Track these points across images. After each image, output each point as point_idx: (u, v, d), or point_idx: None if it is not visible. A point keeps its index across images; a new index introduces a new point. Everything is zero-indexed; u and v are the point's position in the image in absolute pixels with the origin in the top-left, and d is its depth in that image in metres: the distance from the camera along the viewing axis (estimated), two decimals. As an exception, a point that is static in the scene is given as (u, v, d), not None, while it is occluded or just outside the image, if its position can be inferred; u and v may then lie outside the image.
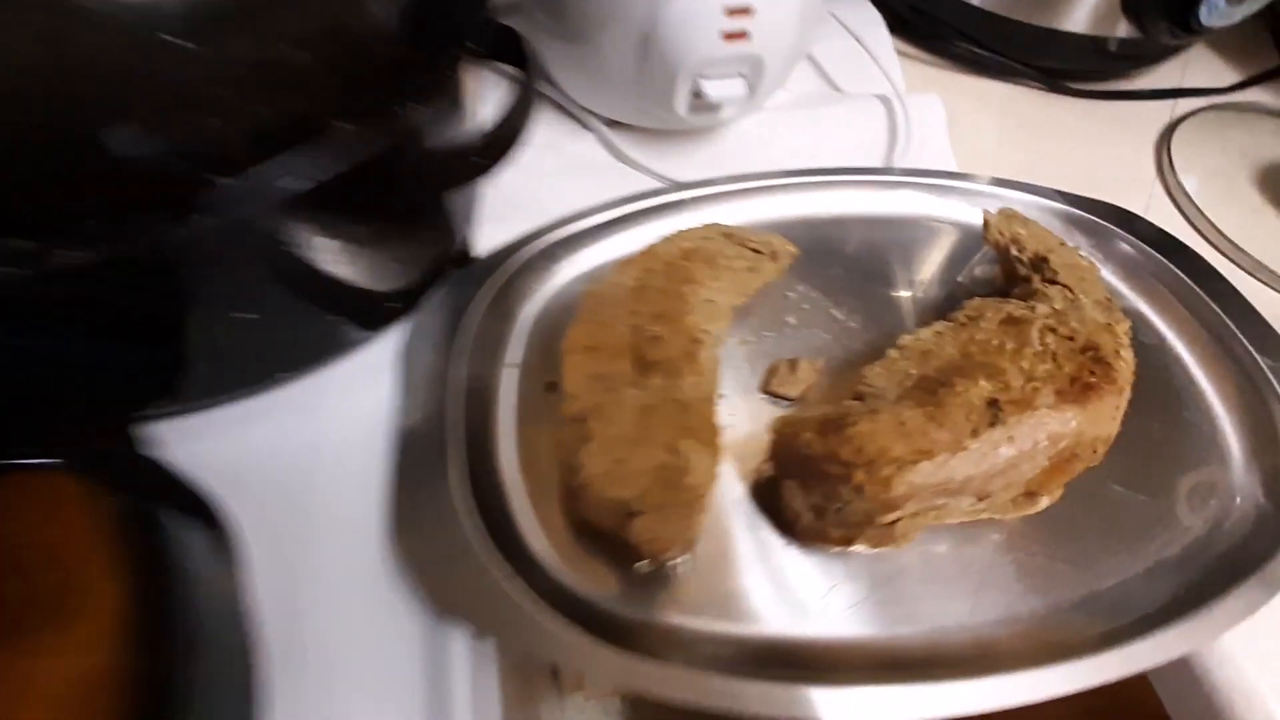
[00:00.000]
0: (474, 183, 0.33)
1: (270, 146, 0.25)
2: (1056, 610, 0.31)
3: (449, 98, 0.30)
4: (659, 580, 0.31)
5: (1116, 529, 0.33)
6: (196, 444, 0.35)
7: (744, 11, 0.38)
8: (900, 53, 0.57)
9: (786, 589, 0.31)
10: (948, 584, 0.31)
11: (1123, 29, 0.52)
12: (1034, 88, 0.57)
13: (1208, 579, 0.31)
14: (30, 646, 0.23)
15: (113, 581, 0.26)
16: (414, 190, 0.31)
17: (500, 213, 0.44)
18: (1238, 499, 0.34)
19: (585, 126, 0.50)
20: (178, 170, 0.23)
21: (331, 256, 0.31)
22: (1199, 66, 0.60)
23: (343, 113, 0.26)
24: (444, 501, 0.31)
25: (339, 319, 0.35)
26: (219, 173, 0.24)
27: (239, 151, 0.24)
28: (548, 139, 0.49)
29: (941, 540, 0.33)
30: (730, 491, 0.34)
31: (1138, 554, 0.32)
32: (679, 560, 0.31)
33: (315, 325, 0.34)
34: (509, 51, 0.34)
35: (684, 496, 0.28)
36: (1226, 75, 0.60)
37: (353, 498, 0.34)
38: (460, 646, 0.30)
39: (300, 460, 0.35)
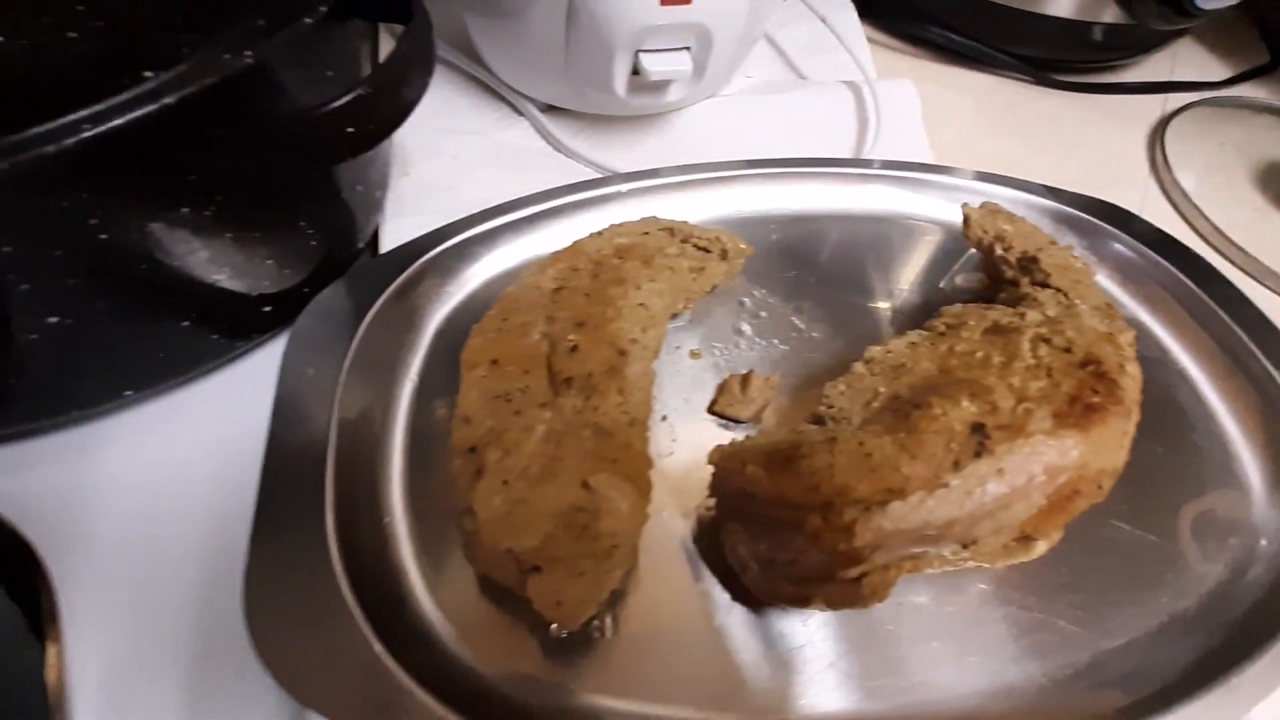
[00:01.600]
0: (349, 159, 0.27)
1: (45, 99, 0.19)
2: (1057, 679, 0.25)
3: (310, 53, 0.24)
4: (580, 649, 0.25)
5: (1123, 577, 0.28)
6: (15, 477, 0.29)
7: (684, -31, 0.33)
8: (870, 39, 0.52)
9: (735, 658, 0.25)
10: (929, 646, 0.26)
11: (1110, 14, 0.48)
12: (1014, 78, 0.52)
13: (1233, 638, 0.26)
14: None
15: None
16: (268, 166, 0.25)
17: (414, 205, 0.39)
18: (1262, 540, 0.29)
19: (518, 112, 0.44)
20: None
21: (169, 248, 0.25)
22: (1186, 61, 0.56)
23: (151, 61, 0.21)
24: (310, 553, 0.25)
25: (195, 326, 0.29)
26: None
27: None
28: (475, 125, 0.44)
29: (920, 591, 0.27)
30: (670, 534, 0.28)
31: (1149, 607, 0.27)
32: (600, 622, 0.25)
33: (163, 334, 0.28)
34: (395, 9, 0.28)
35: (597, 546, 0.22)
36: (1216, 70, 0.56)
37: (209, 547, 0.28)
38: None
39: (147, 499, 0.29)
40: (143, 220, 0.24)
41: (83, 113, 0.19)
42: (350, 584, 0.24)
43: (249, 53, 0.21)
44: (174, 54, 0.21)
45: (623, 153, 0.43)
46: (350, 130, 0.25)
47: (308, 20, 0.23)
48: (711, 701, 0.25)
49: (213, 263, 0.27)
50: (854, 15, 0.51)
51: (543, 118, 0.43)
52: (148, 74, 0.21)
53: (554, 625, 0.25)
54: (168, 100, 0.20)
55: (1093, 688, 0.25)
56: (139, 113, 0.20)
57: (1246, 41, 0.59)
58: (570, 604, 0.22)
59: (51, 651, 0.24)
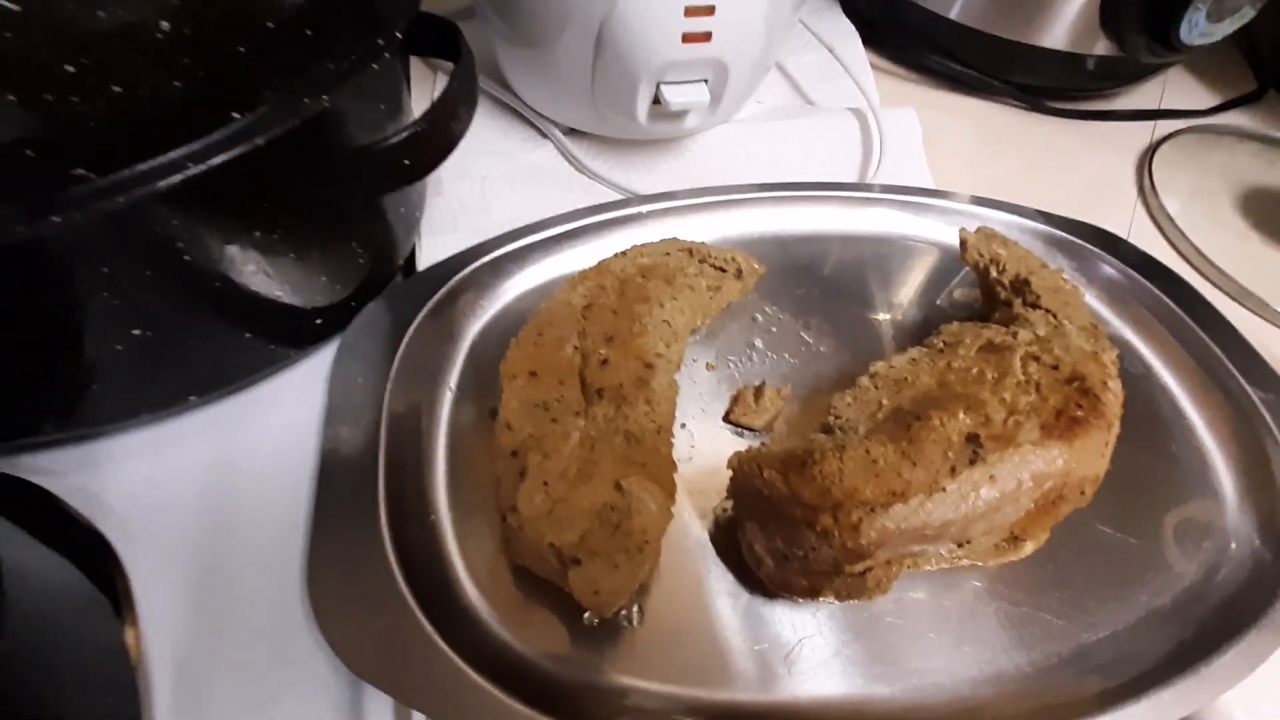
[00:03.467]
0: (403, 188, 0.29)
1: (148, 138, 0.22)
2: (1045, 666, 0.28)
3: (372, 93, 0.27)
4: (607, 635, 0.28)
5: (1105, 575, 0.30)
6: (91, 474, 0.31)
7: (705, 11, 0.35)
8: (874, 66, 0.55)
9: (750, 644, 0.28)
10: (926, 637, 0.28)
11: (1101, 47, 0.50)
12: (1011, 105, 0.55)
13: (1205, 631, 0.29)
14: None
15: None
16: (334, 195, 0.28)
17: (447, 223, 0.41)
18: (1233, 544, 0.31)
19: (543, 134, 0.47)
20: (23, 161, 0.19)
21: (241, 267, 0.28)
22: (1177, 89, 0.59)
23: (237, 103, 0.23)
24: (365, 545, 0.27)
25: (258, 337, 0.31)
26: (82, 166, 0.20)
27: (106, 141, 0.21)
28: (502, 147, 0.46)
29: (919, 587, 0.30)
30: (689, 532, 0.31)
31: (1129, 603, 0.30)
32: (627, 611, 0.28)
33: (230, 344, 0.31)
34: (443, 46, 0.31)
35: (630, 541, 0.25)
36: (1204, 98, 0.59)
37: (269, 537, 0.30)
38: (382, 713, 0.26)
39: (210, 493, 0.31)
40: (220, 243, 0.26)
41: (184, 151, 0.22)
42: (403, 573, 0.27)
43: (325, 97, 0.24)
44: (256, 96, 0.24)
45: (641, 174, 0.46)
46: (406, 162, 0.28)
47: (374, 66, 0.26)
48: (727, 683, 0.27)
49: (275, 280, 0.30)
50: (859, 45, 0.54)
51: (566, 140, 0.46)
52: (235, 115, 0.24)
53: (587, 613, 0.27)
54: (258, 140, 0.23)
55: (1076, 675, 0.28)
56: (234, 151, 0.22)
57: (1235, 70, 0.61)
58: (606, 593, 0.24)
59: (130, 633, 0.27)
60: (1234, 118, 0.57)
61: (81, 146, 0.21)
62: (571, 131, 0.47)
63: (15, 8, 0.18)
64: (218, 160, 0.22)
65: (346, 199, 0.29)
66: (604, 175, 0.45)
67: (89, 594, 0.26)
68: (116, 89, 0.21)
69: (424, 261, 0.39)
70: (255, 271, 0.28)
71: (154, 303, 0.27)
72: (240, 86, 0.24)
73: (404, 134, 0.27)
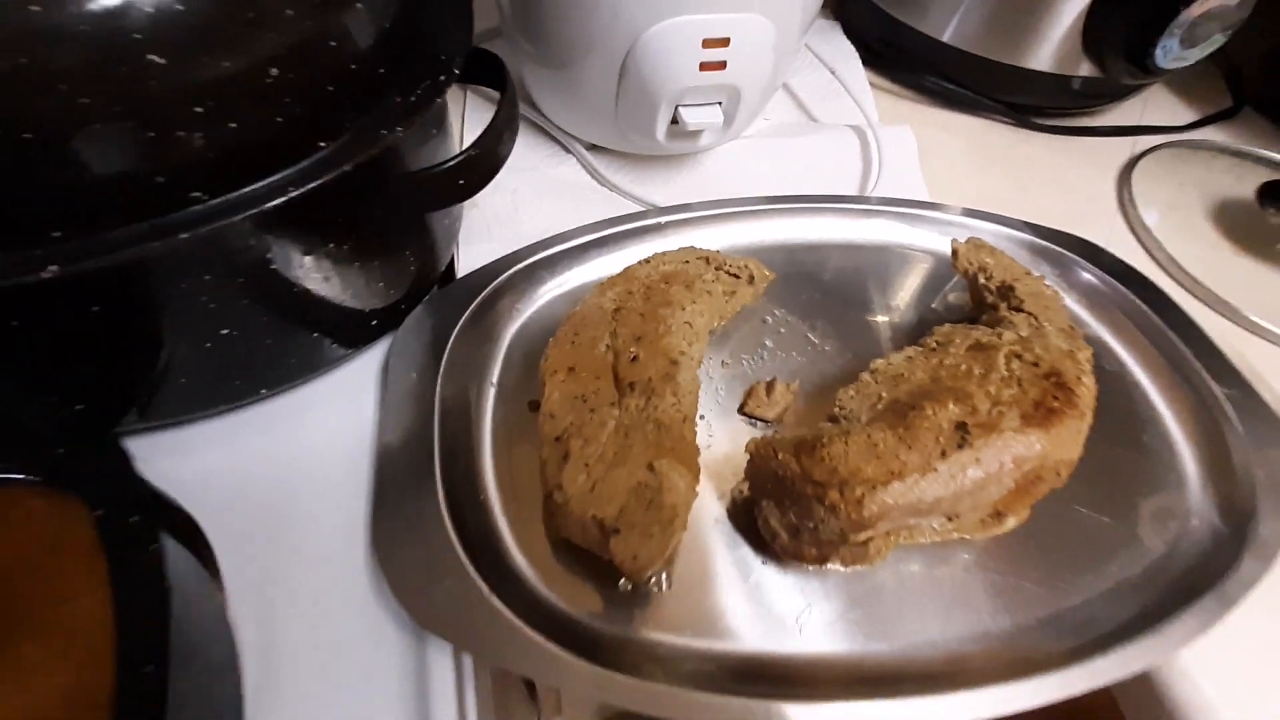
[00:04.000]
0: (455, 205, 0.33)
1: (252, 165, 0.25)
2: (1024, 628, 0.32)
3: (430, 121, 0.31)
4: (638, 598, 0.31)
5: (1081, 550, 0.34)
6: (174, 460, 0.35)
7: (721, 43, 0.39)
8: (873, 85, 0.59)
9: (764, 606, 0.32)
10: (920, 602, 0.32)
11: (1085, 68, 0.54)
12: (1001, 121, 0.59)
13: (1167, 597, 0.32)
14: (11, 661, 0.23)
15: (95, 596, 0.26)
16: (397, 212, 0.31)
17: (482, 233, 0.45)
18: (1194, 521, 0.35)
19: (567, 150, 0.51)
20: (154, 186, 0.23)
21: (315, 275, 0.31)
22: (1157, 106, 0.63)
23: (324, 134, 0.27)
24: (426, 519, 0.31)
25: (323, 336, 0.35)
26: (199, 190, 0.24)
27: (219, 169, 0.24)
28: (530, 162, 0.50)
29: (914, 560, 0.33)
30: (709, 510, 0.34)
31: (1101, 574, 0.33)
32: (658, 577, 0.32)
33: (299, 342, 0.34)
34: (488, 76, 0.34)
35: (662, 515, 0.28)
36: (1183, 114, 0.62)
37: (333, 513, 0.34)
38: (441, 662, 0.30)
39: (279, 476, 0.35)
40: (301, 254, 0.30)
41: (282, 176, 0.26)
42: (460, 542, 0.30)
43: (399, 128, 0.28)
44: (340, 127, 0.28)
45: (659, 187, 0.49)
46: (461, 182, 0.32)
47: (438, 100, 0.29)
48: (744, 640, 0.31)
49: (341, 285, 0.33)
50: (859, 66, 0.58)
51: (588, 155, 0.50)
52: (322, 145, 0.27)
53: (622, 580, 0.31)
54: (346, 167, 0.26)
55: (1053, 634, 0.31)
56: (327, 176, 0.26)
57: (1213, 87, 0.65)
58: (643, 558, 0.28)
59: (219, 598, 0.31)
60: (1210, 133, 0.61)
61: (198, 173, 0.25)
62: (594, 147, 0.50)
63: (162, 61, 0.22)
64: (314, 184, 0.26)
65: (408, 214, 0.33)
66: (624, 188, 0.48)
67: (192, 563, 0.29)
68: (232, 125, 0.24)
69: (463, 268, 0.42)
70: (326, 278, 0.32)
71: (242, 306, 0.30)
72: (327, 120, 0.27)
73: (459, 158, 0.31)
